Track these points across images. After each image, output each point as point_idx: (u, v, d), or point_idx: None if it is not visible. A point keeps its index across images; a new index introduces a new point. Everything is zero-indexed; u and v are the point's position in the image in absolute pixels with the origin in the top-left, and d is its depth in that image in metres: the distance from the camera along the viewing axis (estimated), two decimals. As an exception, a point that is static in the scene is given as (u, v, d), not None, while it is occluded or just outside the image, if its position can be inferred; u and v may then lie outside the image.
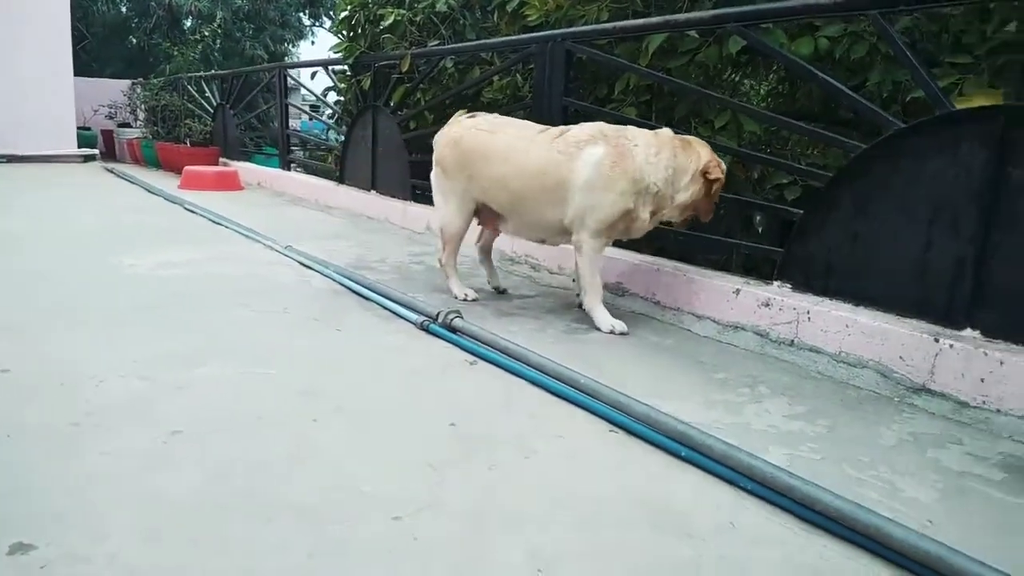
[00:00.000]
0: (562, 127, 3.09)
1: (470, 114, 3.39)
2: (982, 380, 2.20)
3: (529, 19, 4.38)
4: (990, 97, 2.44)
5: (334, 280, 3.61)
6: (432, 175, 3.41)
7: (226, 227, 5.20)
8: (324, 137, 9.47)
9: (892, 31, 2.58)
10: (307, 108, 11.04)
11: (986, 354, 2.20)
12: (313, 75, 7.58)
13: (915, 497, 1.71)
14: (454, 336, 2.74)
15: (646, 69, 3.61)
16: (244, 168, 8.72)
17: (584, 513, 1.58)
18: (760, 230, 3.81)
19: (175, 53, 10.95)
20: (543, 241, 3.22)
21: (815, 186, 3.01)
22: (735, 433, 1.99)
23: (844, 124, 4.16)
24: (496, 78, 4.83)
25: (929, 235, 2.48)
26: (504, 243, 4.27)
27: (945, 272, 2.44)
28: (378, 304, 3.20)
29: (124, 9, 20.52)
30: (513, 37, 4.40)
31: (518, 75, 4.76)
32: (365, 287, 3.39)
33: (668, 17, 3.42)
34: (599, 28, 3.77)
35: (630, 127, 2.98)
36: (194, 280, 3.54)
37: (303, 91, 9.88)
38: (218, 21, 15.90)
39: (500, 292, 3.55)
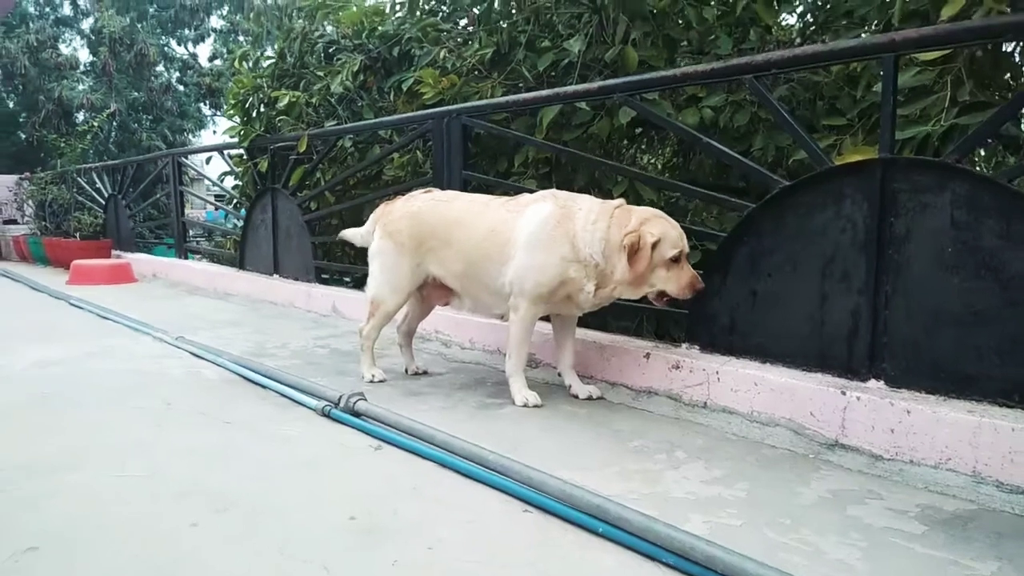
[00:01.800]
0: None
1: (425, 190, 3.31)
2: (892, 431, 2.20)
3: (425, 97, 4.40)
4: (866, 153, 2.55)
5: (228, 369, 3.37)
6: (375, 249, 3.21)
7: (113, 321, 4.85)
8: (226, 224, 9.18)
9: (768, 95, 2.70)
10: (211, 198, 10.70)
11: (892, 404, 2.21)
12: (208, 160, 7.38)
13: (840, 559, 1.64)
14: (357, 421, 2.56)
15: (542, 141, 3.66)
16: (138, 260, 8.29)
17: (496, 608, 1.42)
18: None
19: (62, 144, 10.47)
20: (501, 317, 3.01)
21: (713, 249, 3.06)
22: (654, 503, 1.90)
23: (736, 191, 4.35)
24: (397, 155, 4.80)
25: (823, 289, 2.53)
26: (412, 321, 4.15)
27: (842, 324, 2.48)
28: (276, 392, 2.98)
29: (12, 104, 19.78)
30: (410, 114, 4.41)
31: (418, 152, 4.75)
32: (261, 374, 3.16)
33: (558, 90, 3.49)
34: (492, 103, 3.82)
35: (583, 195, 2.89)
36: (70, 378, 3.23)
37: (207, 181, 9.60)
38: (108, 111, 15.49)
39: (420, 375, 3.37)
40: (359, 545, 1.68)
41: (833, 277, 2.49)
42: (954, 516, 1.88)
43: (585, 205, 2.77)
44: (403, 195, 3.29)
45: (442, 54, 4.38)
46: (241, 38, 20.34)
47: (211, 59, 21.76)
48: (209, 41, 21.73)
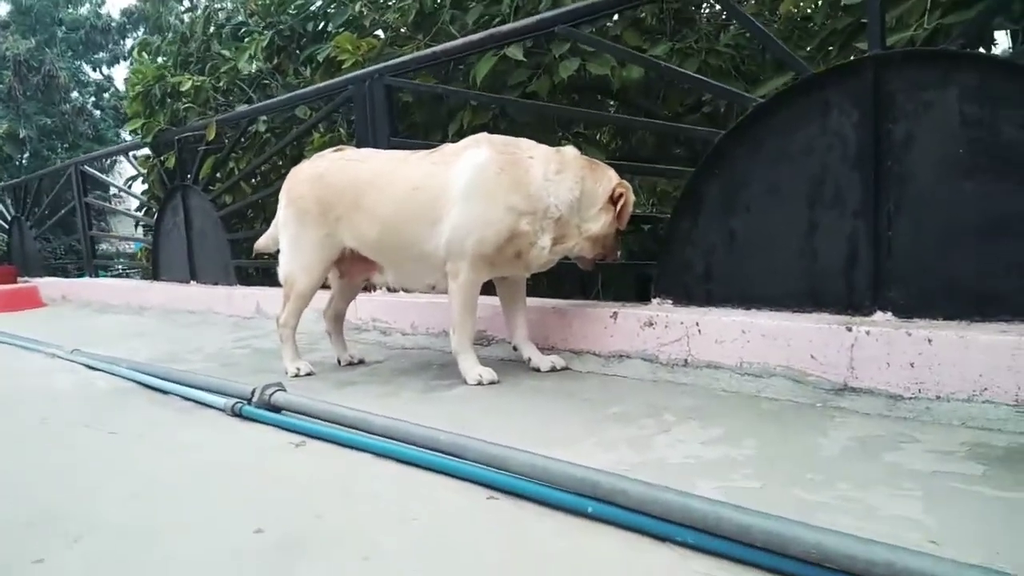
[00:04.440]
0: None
1: (335, 148, 2.85)
2: (912, 365, 1.87)
3: (345, 66, 3.96)
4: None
5: (123, 377, 2.84)
6: (279, 220, 2.80)
7: (2, 343, 4.22)
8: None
9: (737, 7, 2.36)
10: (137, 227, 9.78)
11: (909, 334, 1.87)
12: (111, 164, 6.72)
13: (899, 514, 1.27)
14: (276, 417, 2.09)
15: (477, 92, 3.26)
16: (46, 283, 7.54)
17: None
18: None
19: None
20: (432, 288, 2.59)
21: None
22: (648, 473, 1.49)
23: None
24: (317, 134, 4.32)
25: (812, 216, 2.19)
26: (348, 310, 3.67)
27: (838, 254, 2.14)
28: (178, 396, 2.48)
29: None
30: (326, 83, 3.94)
31: (340, 128, 4.28)
32: (160, 378, 2.66)
33: (491, 31, 3.10)
34: (418, 55, 3.40)
35: (521, 139, 2.50)
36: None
37: (127, 210, 8.73)
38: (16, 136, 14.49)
39: (356, 364, 2.91)
40: (266, 565, 1.23)
41: (823, 202, 2.16)
42: (1010, 451, 1.54)
43: (538, 153, 2.42)
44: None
45: (360, 8, 3.93)
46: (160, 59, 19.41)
47: (125, 87, 20.71)
48: (124, 64, 20.66)
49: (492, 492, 1.48)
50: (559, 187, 2.37)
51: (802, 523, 1.09)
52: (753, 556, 1.11)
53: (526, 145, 2.46)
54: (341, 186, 2.61)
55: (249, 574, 1.21)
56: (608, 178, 2.43)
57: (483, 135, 2.52)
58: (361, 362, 2.93)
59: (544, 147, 2.47)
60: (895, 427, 1.75)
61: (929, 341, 1.84)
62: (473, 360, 2.47)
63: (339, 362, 2.92)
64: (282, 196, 2.79)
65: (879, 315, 2.06)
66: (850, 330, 1.97)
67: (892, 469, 1.48)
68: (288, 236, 2.74)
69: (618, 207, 2.40)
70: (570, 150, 2.48)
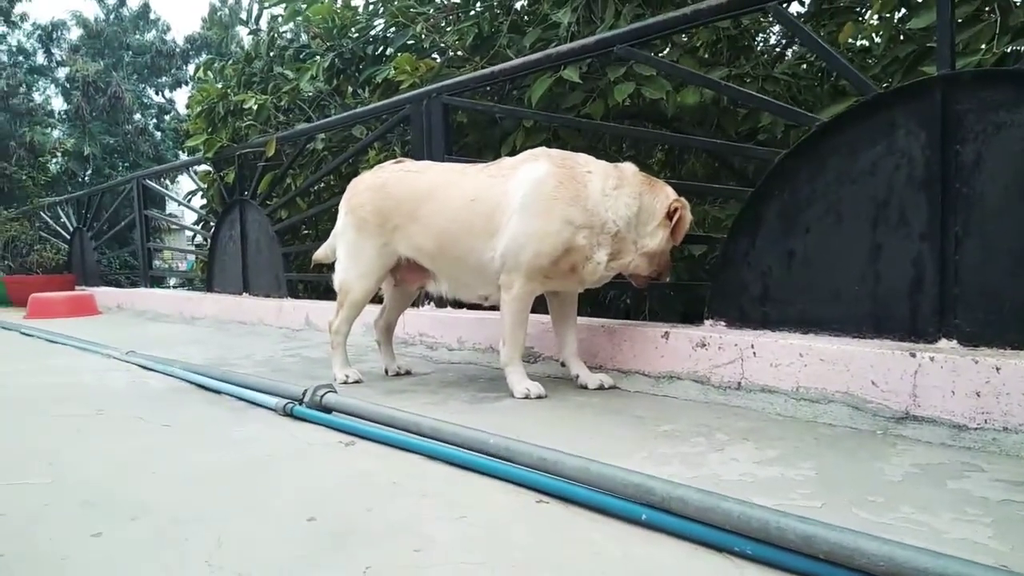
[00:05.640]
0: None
1: (396, 160, 2.89)
2: (977, 394, 1.79)
3: (403, 87, 4.04)
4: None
5: (177, 378, 2.91)
6: (339, 228, 2.84)
7: (61, 344, 4.37)
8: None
9: (797, 21, 2.35)
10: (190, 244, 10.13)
11: (976, 362, 1.80)
12: (173, 179, 6.95)
13: (965, 537, 1.22)
14: (327, 417, 2.11)
15: (533, 111, 3.29)
16: (103, 292, 7.80)
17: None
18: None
19: (24, 178, 10.03)
20: (485, 299, 2.59)
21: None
22: (703, 487, 1.46)
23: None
24: (373, 152, 4.41)
25: (875, 239, 2.14)
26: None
27: (902, 277, 2.08)
28: (231, 396, 2.53)
29: (-20, 150, 19.32)
30: (384, 101, 4.03)
31: (395, 146, 4.37)
32: (215, 379, 2.71)
33: (548, 51, 3.13)
34: (475, 75, 3.44)
35: (580, 154, 2.52)
36: (-10, 393, 2.76)
37: (187, 232, 9.05)
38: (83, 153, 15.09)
39: (403, 375, 2.93)
40: (319, 550, 1.24)
41: (888, 223, 2.11)
42: (1087, 486, 1.47)
43: (596, 167, 2.42)
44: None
45: (420, 31, 4.03)
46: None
47: (188, 106, 21.48)
48: (186, 89, 21.47)
49: (542, 496, 1.46)
50: (617, 202, 2.36)
51: (870, 535, 1.05)
52: (814, 568, 1.07)
53: (584, 160, 2.46)
54: (400, 196, 2.63)
55: (309, 554, 1.21)
56: (665, 194, 2.42)
57: (541, 149, 2.54)
58: (408, 373, 2.95)
59: (603, 162, 2.47)
60: (959, 456, 1.69)
61: (997, 369, 1.77)
62: (521, 374, 2.46)
63: (386, 372, 2.94)
64: (342, 205, 2.84)
65: (944, 342, 1.99)
66: (914, 356, 1.91)
67: (958, 496, 1.42)
68: (346, 244, 2.77)
69: (674, 221, 2.39)
70: (628, 166, 2.48)
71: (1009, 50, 2.28)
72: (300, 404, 2.19)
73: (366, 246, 2.70)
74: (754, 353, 2.25)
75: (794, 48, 4.38)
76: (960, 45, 2.36)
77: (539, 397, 2.38)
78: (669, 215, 2.39)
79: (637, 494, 1.30)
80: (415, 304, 3.88)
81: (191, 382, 2.81)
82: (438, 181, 2.61)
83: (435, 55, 4.44)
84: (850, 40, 3.54)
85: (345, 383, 2.73)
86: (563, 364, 2.64)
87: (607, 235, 2.37)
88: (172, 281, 9.74)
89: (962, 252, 1.97)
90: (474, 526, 1.33)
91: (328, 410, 2.14)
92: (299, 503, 1.47)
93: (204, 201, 6.31)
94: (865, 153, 2.15)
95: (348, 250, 2.76)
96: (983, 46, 2.32)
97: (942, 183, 1.99)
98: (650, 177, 2.48)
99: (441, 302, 3.60)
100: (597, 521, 1.34)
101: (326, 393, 2.17)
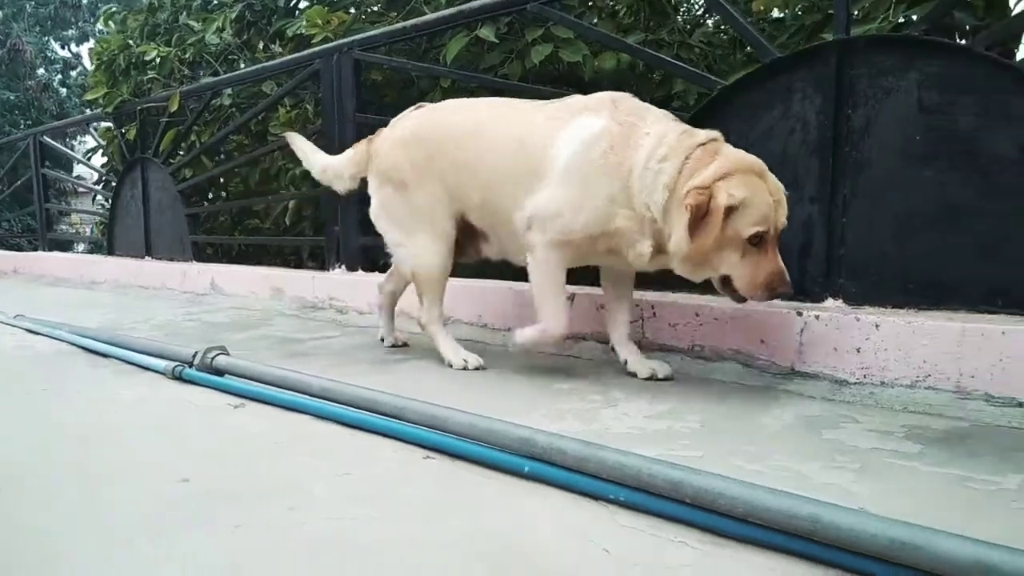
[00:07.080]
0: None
1: (416, 106, 2.42)
2: (858, 350, 1.88)
3: (315, 41, 3.89)
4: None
5: (64, 341, 2.75)
6: (376, 208, 2.40)
7: (-60, 309, 4.06)
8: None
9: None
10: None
11: (858, 319, 1.88)
12: (77, 137, 6.51)
13: (830, 482, 1.27)
14: (217, 379, 2.03)
15: (445, 69, 3.22)
16: (-5, 256, 7.32)
17: None
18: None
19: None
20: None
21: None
22: (591, 440, 1.48)
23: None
24: (283, 109, 4.24)
25: (770, 202, 2.19)
26: (304, 287, 3.61)
27: (793, 239, 2.14)
28: (119, 359, 2.40)
29: None
30: (293, 56, 3.87)
31: (307, 105, 4.21)
32: (102, 341, 2.57)
33: (462, 7, 3.06)
34: (387, 30, 3.35)
35: (655, 109, 1.99)
36: None
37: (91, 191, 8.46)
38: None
39: (399, 346, 2.66)
40: (190, 511, 1.19)
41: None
42: (947, 434, 1.56)
43: (656, 128, 1.89)
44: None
45: (331, -18, 3.87)
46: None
47: (91, 59, 20.21)
48: (93, 43, 20.18)
49: (428, 452, 1.45)
50: (655, 181, 1.83)
51: (733, 479, 1.08)
52: (682, 513, 1.09)
53: (654, 117, 1.95)
54: (440, 137, 2.23)
55: (175, 513, 1.16)
56: (703, 173, 1.79)
57: (607, 94, 2.02)
58: (405, 345, 2.68)
59: (669, 122, 1.94)
60: (838, 409, 1.76)
61: (876, 327, 1.85)
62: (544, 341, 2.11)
63: (382, 340, 2.68)
64: (371, 178, 2.41)
65: (830, 302, 2.07)
66: (800, 315, 1.98)
67: (830, 444, 1.48)
68: (394, 220, 2.35)
69: (688, 218, 1.77)
70: (701, 132, 1.88)
71: (902, 19, 2.35)
72: (190, 367, 2.11)
73: (418, 209, 2.28)
74: (654, 313, 2.29)
75: (716, 17, 4.44)
76: (860, 14, 2.42)
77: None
78: (685, 206, 1.77)
79: (522, 447, 1.30)
80: (324, 267, 3.79)
81: (79, 346, 2.66)
82: (485, 117, 2.21)
83: (351, 9, 4.29)
84: (768, 12, 3.60)
85: (464, 369, 2.25)
86: (612, 350, 2.21)
87: (647, 221, 1.88)
88: (80, 247, 9.23)
89: (849, 215, 2.04)
90: (357, 482, 1.31)
91: (220, 373, 2.06)
92: (174, 465, 1.41)
93: (105, 159, 5.96)
94: (764, 116, 2.19)
95: (398, 223, 2.34)
96: (879, 15, 2.39)
97: (834, 146, 2.05)
98: (717, 147, 1.84)
99: (367, 264, 3.48)
100: (483, 475, 1.33)
101: (217, 355, 2.08)
